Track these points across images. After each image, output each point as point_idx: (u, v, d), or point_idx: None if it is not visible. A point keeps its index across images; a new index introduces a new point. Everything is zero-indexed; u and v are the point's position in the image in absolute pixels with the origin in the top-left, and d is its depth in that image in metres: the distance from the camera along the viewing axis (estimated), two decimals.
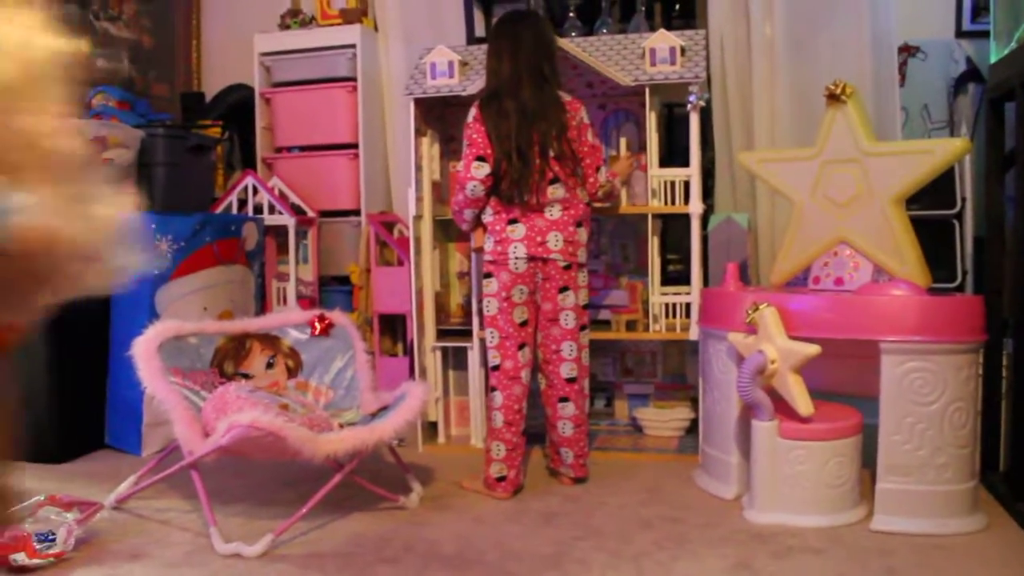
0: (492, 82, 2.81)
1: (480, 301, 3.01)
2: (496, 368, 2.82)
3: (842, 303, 2.58)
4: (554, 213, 2.77)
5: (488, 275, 2.82)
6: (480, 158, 2.73)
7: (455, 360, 3.51)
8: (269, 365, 2.96)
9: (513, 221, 2.77)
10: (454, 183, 2.87)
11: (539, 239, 2.76)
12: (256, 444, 2.33)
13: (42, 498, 2.39)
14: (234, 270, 3.65)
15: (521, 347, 2.81)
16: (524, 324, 2.82)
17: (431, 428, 3.45)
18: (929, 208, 3.19)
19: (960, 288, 3.23)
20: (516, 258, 2.76)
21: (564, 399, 2.86)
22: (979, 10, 3.78)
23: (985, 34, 3.14)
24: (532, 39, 2.79)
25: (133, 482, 2.71)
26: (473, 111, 2.79)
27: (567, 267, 2.79)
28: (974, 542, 2.37)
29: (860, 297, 2.57)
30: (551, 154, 2.75)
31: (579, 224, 2.81)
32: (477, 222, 2.88)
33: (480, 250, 2.91)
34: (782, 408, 2.54)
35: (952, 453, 2.44)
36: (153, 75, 4.63)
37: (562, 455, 2.91)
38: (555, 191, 2.76)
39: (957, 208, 3.24)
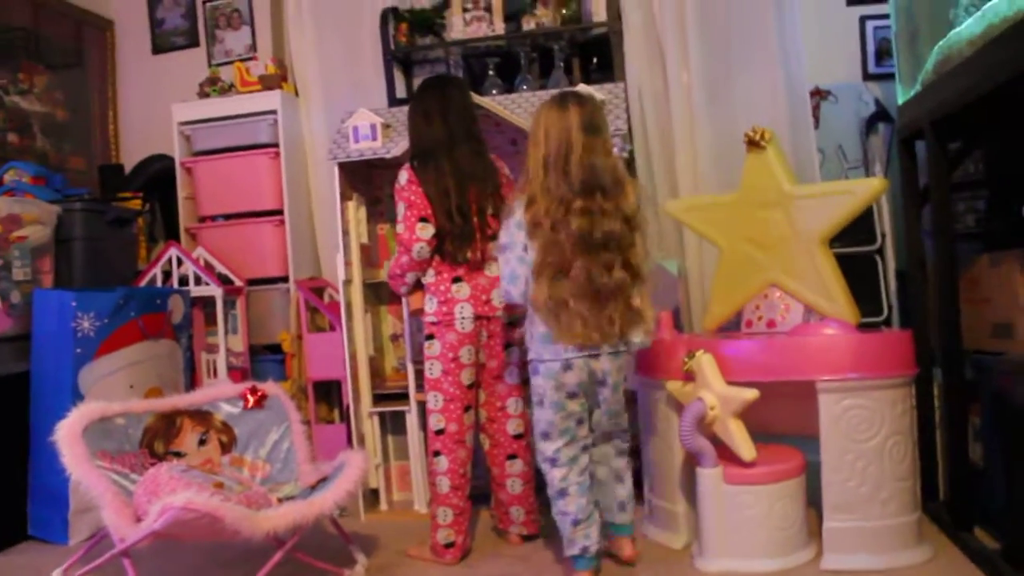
0: (423, 143, 2.79)
1: (416, 363, 2.95)
2: (440, 432, 2.75)
3: (776, 345, 2.61)
4: (494, 270, 2.74)
5: (431, 337, 2.76)
6: (423, 219, 2.71)
7: (393, 424, 3.44)
8: (202, 442, 2.87)
9: (457, 280, 2.74)
10: (398, 245, 2.78)
11: (484, 297, 2.75)
12: (191, 526, 2.24)
13: None
14: (161, 344, 3.54)
15: (467, 409, 2.76)
16: (471, 386, 2.78)
17: (373, 495, 3.37)
18: (851, 245, 3.26)
19: (887, 321, 3.30)
20: (463, 318, 2.73)
21: (512, 456, 2.83)
22: (882, 54, 3.95)
23: (890, 76, 3.27)
24: (460, 100, 2.81)
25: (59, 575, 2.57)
26: (406, 173, 2.76)
27: (511, 323, 2.79)
28: (922, 573, 2.39)
29: (793, 338, 2.61)
30: (489, 211, 2.75)
31: None
32: (416, 285, 2.84)
33: (418, 313, 2.86)
34: (725, 454, 2.54)
35: (894, 487, 2.46)
36: (69, 148, 4.52)
37: (512, 514, 2.86)
38: (495, 248, 2.74)
39: (878, 244, 3.33)
